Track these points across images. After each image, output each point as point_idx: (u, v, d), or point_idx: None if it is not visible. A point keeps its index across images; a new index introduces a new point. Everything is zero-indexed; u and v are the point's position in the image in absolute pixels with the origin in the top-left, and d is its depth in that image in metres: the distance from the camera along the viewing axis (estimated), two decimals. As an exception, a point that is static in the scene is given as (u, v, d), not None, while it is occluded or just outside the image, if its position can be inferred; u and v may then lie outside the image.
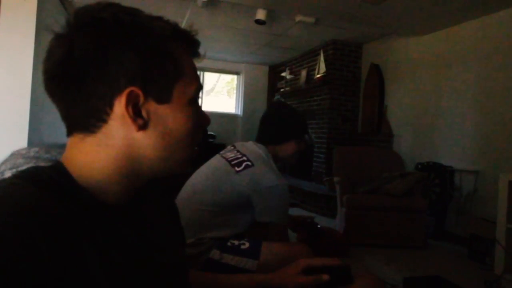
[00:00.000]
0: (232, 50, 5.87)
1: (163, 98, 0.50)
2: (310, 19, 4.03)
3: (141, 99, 0.48)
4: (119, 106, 0.48)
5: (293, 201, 4.93)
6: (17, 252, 0.36)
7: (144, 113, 0.49)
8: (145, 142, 0.50)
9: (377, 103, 4.62)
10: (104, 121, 0.48)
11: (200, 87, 0.55)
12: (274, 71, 6.93)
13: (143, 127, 0.49)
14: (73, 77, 0.47)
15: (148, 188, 0.58)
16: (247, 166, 1.39)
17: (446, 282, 2.26)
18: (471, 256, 2.94)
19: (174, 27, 0.52)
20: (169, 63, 0.51)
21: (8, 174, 0.47)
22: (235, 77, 7.10)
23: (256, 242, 1.34)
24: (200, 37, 0.56)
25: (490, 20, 3.35)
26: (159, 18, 0.52)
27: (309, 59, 5.53)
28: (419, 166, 3.68)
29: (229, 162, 1.43)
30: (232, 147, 1.52)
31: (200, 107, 0.57)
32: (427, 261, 2.91)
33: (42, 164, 0.49)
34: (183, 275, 0.62)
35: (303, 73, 5.55)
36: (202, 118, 0.57)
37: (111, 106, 0.48)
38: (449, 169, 3.48)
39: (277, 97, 6.23)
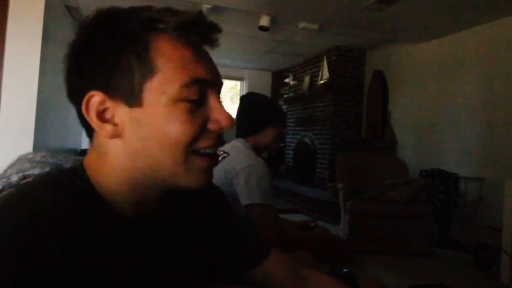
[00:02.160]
0: (236, 56, 5.91)
1: (133, 101, 0.45)
2: (314, 26, 4.05)
3: (107, 103, 0.45)
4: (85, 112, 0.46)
5: (296, 207, 4.91)
6: (30, 256, 0.37)
7: (116, 119, 0.46)
8: (126, 150, 0.46)
9: (381, 110, 4.61)
10: (91, 128, 0.47)
11: (192, 81, 0.46)
12: (277, 77, 6.95)
13: (116, 134, 0.46)
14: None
15: (172, 201, 0.56)
16: (223, 158, 1.43)
17: (451, 290, 2.23)
18: (476, 265, 2.91)
19: (159, 14, 0.46)
20: (135, 61, 0.44)
21: (14, 178, 0.48)
22: (238, 83, 7.13)
23: None
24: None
25: (495, 27, 3.35)
26: (145, 9, 0.47)
27: (313, 65, 5.54)
28: (423, 173, 3.66)
29: None
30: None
31: (207, 105, 0.49)
32: (432, 269, 2.89)
33: (47, 168, 0.50)
34: None
35: (307, 79, 5.56)
36: (209, 117, 0.48)
37: (80, 112, 0.47)
38: (454, 176, 3.45)
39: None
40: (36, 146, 3.03)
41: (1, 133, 2.99)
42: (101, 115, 0.46)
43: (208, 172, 0.51)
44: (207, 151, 0.49)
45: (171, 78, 0.45)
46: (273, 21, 3.91)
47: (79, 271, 0.40)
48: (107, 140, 0.47)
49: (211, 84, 0.49)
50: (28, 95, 3.05)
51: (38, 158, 0.51)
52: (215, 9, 3.70)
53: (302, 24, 4.03)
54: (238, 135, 1.56)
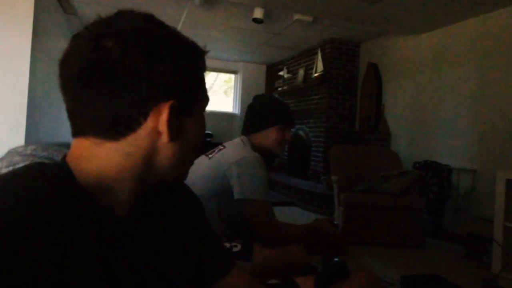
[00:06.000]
0: (230, 49, 5.87)
1: (190, 110, 0.53)
2: (308, 18, 4.03)
3: (177, 111, 0.50)
4: (155, 117, 0.48)
5: (290, 200, 4.93)
6: (18, 245, 0.36)
7: (177, 125, 0.51)
8: (168, 152, 0.51)
9: (375, 102, 4.63)
10: (134, 130, 0.48)
11: (208, 99, 0.58)
12: (271, 70, 6.93)
13: (174, 138, 0.50)
14: (109, 81, 0.45)
15: (154, 198, 0.57)
16: (219, 150, 1.46)
17: (443, 281, 2.27)
18: (468, 255, 2.96)
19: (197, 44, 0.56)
20: (198, 77, 0.54)
21: (4, 171, 0.47)
22: (232, 76, 7.09)
23: (247, 243, 1.33)
24: (197, 36, 0.57)
25: (488, 19, 3.36)
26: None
27: (307, 58, 5.53)
28: (417, 165, 3.69)
29: (205, 155, 1.47)
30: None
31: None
32: (425, 259, 2.92)
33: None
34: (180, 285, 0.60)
35: (301, 72, 5.55)
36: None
37: (145, 116, 0.47)
38: (446, 167, 3.49)
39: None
40: (28, 140, 3.00)
41: (-8, 127, 2.95)
42: (171, 121, 0.49)
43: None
44: None
45: (205, 95, 0.57)
46: (267, 13, 3.88)
47: (66, 258, 0.40)
48: (152, 143, 0.50)
49: None
50: (19, 88, 3.01)
51: (28, 152, 0.51)
52: (209, 1, 3.67)
53: (296, 16, 4.01)
54: (242, 132, 1.57)
